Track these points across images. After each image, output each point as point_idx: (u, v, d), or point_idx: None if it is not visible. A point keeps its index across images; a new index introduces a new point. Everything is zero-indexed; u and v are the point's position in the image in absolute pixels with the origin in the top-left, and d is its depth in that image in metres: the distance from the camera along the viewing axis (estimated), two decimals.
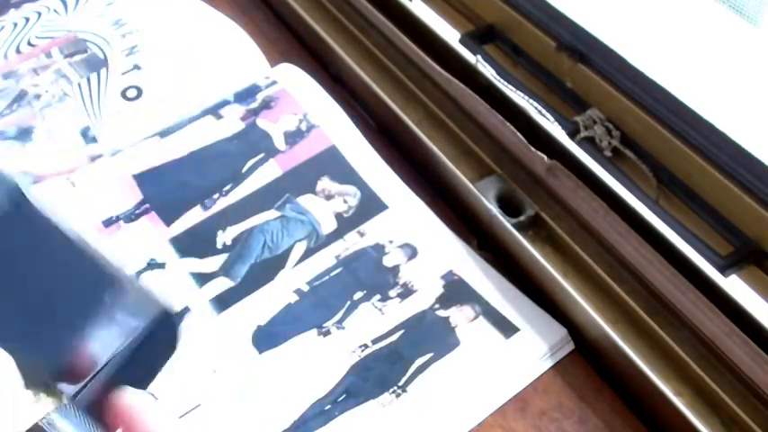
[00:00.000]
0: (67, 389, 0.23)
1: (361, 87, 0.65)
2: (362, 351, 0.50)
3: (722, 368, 0.48)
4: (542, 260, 0.52)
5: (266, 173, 0.59)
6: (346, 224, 0.57)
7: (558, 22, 0.66)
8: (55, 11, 0.73)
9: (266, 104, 0.63)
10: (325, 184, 0.59)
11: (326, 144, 0.61)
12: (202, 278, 0.54)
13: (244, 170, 0.59)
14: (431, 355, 0.50)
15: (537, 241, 0.55)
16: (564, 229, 0.55)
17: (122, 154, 0.60)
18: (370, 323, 0.52)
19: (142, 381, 0.27)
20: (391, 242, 0.56)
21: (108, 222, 0.56)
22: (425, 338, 0.51)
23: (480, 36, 0.70)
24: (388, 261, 0.55)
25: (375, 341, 0.51)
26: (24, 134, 0.63)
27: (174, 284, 0.53)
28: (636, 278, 0.52)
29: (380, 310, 0.52)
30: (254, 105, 0.63)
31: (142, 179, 0.59)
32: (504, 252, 0.55)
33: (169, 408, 0.35)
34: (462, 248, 0.56)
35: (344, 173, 0.59)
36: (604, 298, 0.52)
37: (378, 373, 0.49)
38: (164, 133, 0.62)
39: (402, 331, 0.51)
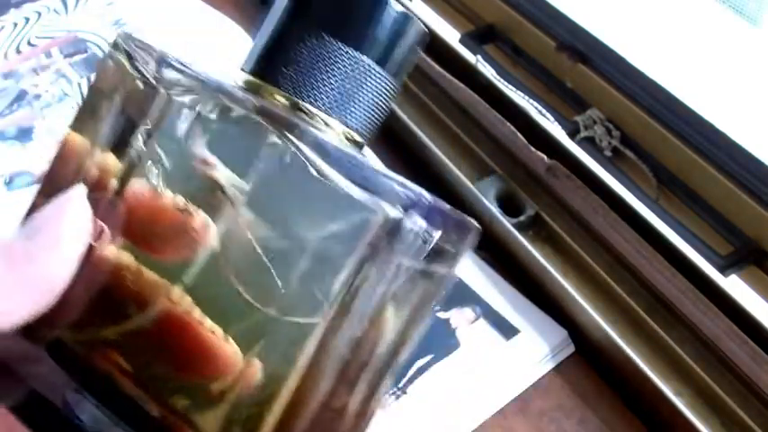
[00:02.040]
0: None
1: None
2: None
3: (722, 368, 0.48)
4: (542, 260, 0.52)
5: None
6: None
7: (558, 22, 0.65)
8: (55, 11, 0.73)
9: None
10: None
11: None
12: None
13: None
14: (431, 356, 0.50)
15: (537, 241, 0.55)
16: (564, 229, 0.55)
17: None
18: None
19: None
20: None
21: None
22: (425, 340, 0.51)
23: (480, 36, 0.70)
24: None
25: None
26: (24, 134, 0.63)
27: None
28: (636, 278, 0.52)
29: None
30: None
31: None
32: (504, 252, 0.55)
33: None
34: None
35: None
36: (604, 298, 0.52)
37: None
38: None
39: None
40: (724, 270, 0.52)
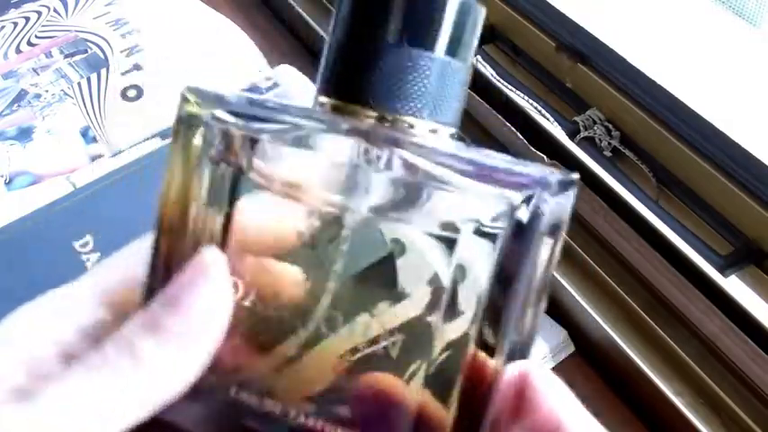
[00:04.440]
0: None
1: None
2: None
3: (722, 368, 0.48)
4: None
5: None
6: None
7: (558, 22, 0.66)
8: (55, 10, 0.73)
9: None
10: None
11: None
12: None
13: None
14: None
15: None
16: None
17: (122, 154, 0.60)
18: None
19: None
20: None
21: None
22: None
23: (480, 36, 0.70)
24: None
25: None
26: (24, 134, 0.63)
27: None
28: (636, 278, 0.52)
29: None
30: None
31: None
32: None
33: None
34: None
35: None
36: (604, 298, 0.52)
37: None
38: (164, 134, 0.62)
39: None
40: (724, 270, 0.52)
